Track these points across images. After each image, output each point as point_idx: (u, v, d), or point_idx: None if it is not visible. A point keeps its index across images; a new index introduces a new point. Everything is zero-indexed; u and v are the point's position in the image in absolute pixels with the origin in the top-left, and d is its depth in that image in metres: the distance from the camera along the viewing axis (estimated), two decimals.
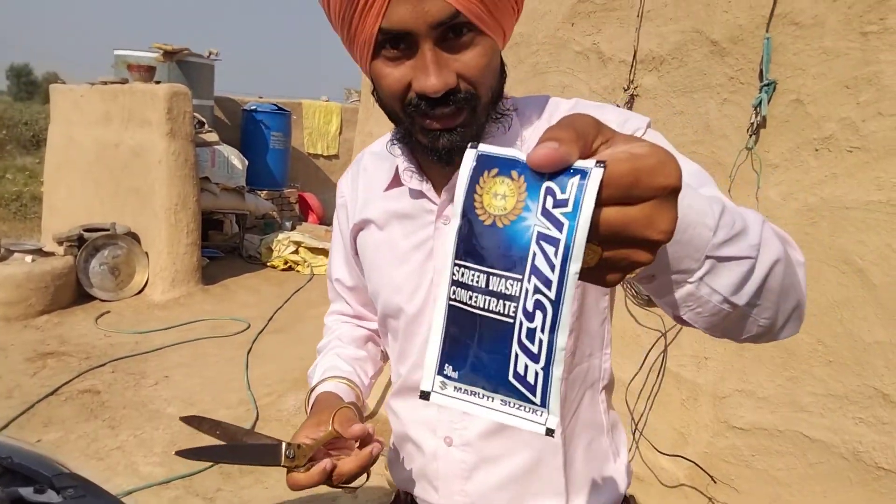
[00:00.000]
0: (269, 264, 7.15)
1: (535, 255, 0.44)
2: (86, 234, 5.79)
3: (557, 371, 0.45)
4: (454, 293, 0.47)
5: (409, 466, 1.05)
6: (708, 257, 0.62)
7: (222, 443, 0.93)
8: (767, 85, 2.18)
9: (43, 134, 17.14)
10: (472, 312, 0.47)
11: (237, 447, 0.93)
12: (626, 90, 2.59)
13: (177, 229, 5.93)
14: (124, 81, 6.33)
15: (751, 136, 2.25)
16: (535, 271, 0.44)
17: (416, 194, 0.95)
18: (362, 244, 1.05)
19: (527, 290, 0.45)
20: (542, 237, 0.44)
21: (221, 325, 5.46)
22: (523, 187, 0.45)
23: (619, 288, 1.85)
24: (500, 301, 0.46)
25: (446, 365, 0.48)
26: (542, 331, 0.45)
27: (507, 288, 0.45)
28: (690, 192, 0.60)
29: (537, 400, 0.47)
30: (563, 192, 0.44)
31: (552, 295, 0.44)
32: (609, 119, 0.87)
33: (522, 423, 0.48)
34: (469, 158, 0.48)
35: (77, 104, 6.70)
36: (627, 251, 0.47)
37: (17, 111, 22.84)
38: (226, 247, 7.51)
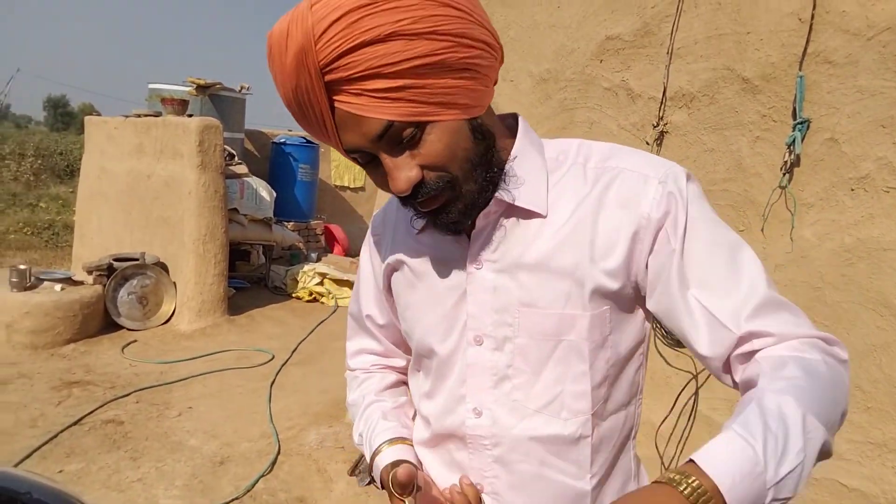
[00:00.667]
0: (294, 295, 7.18)
1: None
2: (115, 264, 5.86)
3: None
4: None
5: None
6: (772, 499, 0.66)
7: None
8: (801, 123, 2.15)
9: (77, 164, 17.52)
10: None
11: None
12: (655, 126, 2.57)
13: (205, 260, 5.98)
14: (158, 114, 6.46)
15: (784, 174, 2.21)
16: None
17: (448, 241, 0.95)
18: (396, 284, 1.05)
19: None
20: None
21: (246, 355, 5.47)
22: None
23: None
24: None
25: None
26: None
27: None
28: (733, 476, 0.64)
29: None
30: None
31: None
32: (648, 174, 0.88)
33: None
34: None
35: (111, 136, 6.84)
36: None
37: (53, 141, 23.43)
38: (252, 277, 7.56)
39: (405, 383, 1.19)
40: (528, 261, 0.90)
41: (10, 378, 4.81)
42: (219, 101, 7.76)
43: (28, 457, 3.61)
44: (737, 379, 0.84)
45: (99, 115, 7.44)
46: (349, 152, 0.84)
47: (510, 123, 0.97)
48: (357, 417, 1.14)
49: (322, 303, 7.09)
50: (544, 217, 0.90)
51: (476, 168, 0.85)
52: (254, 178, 7.27)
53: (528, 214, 0.91)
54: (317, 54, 0.74)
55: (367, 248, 1.12)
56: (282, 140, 8.60)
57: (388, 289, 1.08)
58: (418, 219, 0.95)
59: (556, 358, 0.90)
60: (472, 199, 0.86)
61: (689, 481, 0.64)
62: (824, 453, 0.70)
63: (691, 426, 2.51)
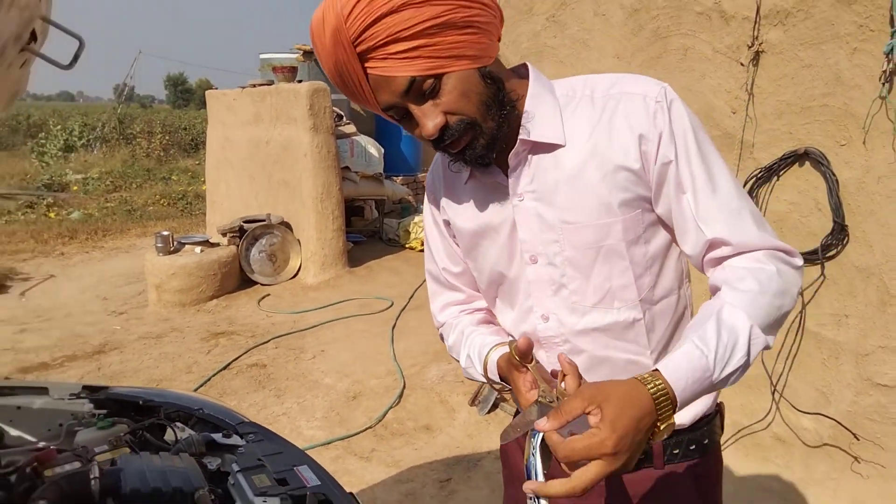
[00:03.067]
0: (407, 246, 7.50)
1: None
2: (245, 225, 6.35)
3: None
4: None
5: None
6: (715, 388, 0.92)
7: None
8: None
9: (200, 137, 18.75)
10: None
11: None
12: (750, 47, 2.56)
13: (323, 216, 6.37)
14: (270, 83, 6.85)
15: (884, 84, 2.18)
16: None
17: (491, 182, 1.11)
18: (459, 231, 1.21)
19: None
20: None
21: (368, 303, 5.83)
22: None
23: None
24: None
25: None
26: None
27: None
28: (686, 380, 0.88)
29: None
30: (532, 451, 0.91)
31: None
32: (647, 94, 1.03)
33: None
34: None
35: (230, 107, 7.33)
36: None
37: (177, 117, 25.05)
38: (367, 231, 7.94)
39: (493, 321, 1.34)
40: (560, 185, 1.05)
41: (164, 332, 5.41)
42: None
43: None
44: (709, 279, 1.04)
45: (216, 88, 7.94)
46: (385, 110, 1.00)
47: (522, 72, 1.11)
48: (461, 348, 1.29)
49: None
50: (564, 146, 1.04)
51: (490, 108, 1.00)
52: (362, 136, 7.58)
53: (550, 147, 1.05)
54: (347, 31, 0.92)
55: (428, 208, 1.29)
56: None
57: (453, 236, 1.25)
58: (455, 164, 1.11)
59: (601, 261, 1.06)
60: (491, 134, 1.01)
61: (656, 382, 0.87)
62: (765, 349, 0.96)
63: (799, 343, 2.56)
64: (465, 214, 1.18)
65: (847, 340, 2.41)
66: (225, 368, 4.58)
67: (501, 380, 1.14)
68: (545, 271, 1.10)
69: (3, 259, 7.57)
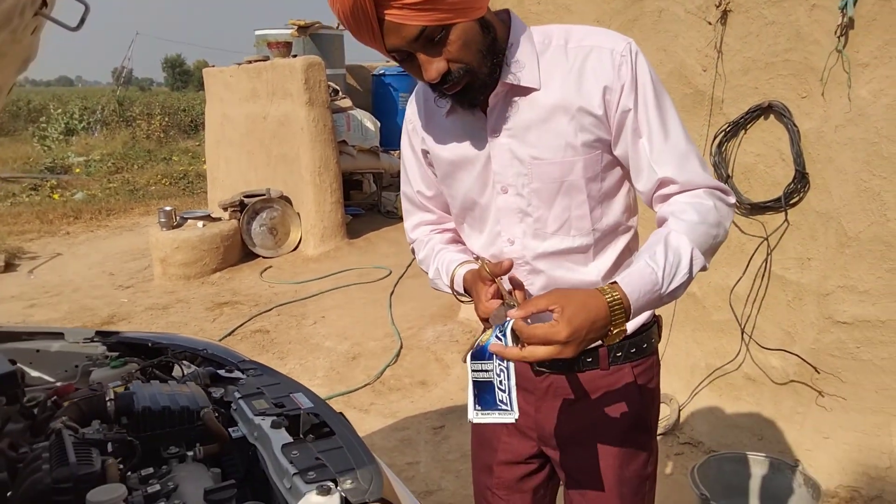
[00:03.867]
0: None
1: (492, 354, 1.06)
2: (246, 200, 6.51)
3: (513, 394, 1.04)
4: (473, 374, 1.08)
5: None
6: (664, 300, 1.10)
7: None
8: None
9: (199, 118, 18.80)
10: (478, 380, 1.08)
11: None
12: (717, 6, 2.68)
13: (321, 189, 6.51)
14: (266, 59, 6.96)
15: (839, 37, 2.31)
16: (497, 358, 1.05)
17: (470, 118, 1.25)
18: (436, 158, 1.35)
19: (496, 365, 1.05)
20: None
21: (366, 272, 5.99)
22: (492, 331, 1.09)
23: None
24: (486, 372, 1.07)
25: (476, 406, 1.08)
26: (507, 379, 1.05)
27: (487, 365, 1.06)
28: (638, 293, 1.05)
29: (510, 408, 1.05)
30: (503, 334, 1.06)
31: (505, 364, 1.05)
32: (614, 48, 1.17)
33: (506, 418, 1.05)
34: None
35: (227, 84, 7.44)
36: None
37: (175, 99, 25.06)
38: (365, 204, 8.09)
39: (459, 241, 1.50)
40: (532, 124, 1.19)
41: (170, 303, 5.59)
42: (319, 39, 8.16)
43: None
44: (656, 213, 1.20)
45: (214, 66, 8.04)
46: (389, 51, 1.10)
47: (503, 17, 1.24)
48: (431, 262, 1.45)
49: None
50: (539, 90, 1.18)
51: (486, 56, 1.13)
52: (358, 110, 7.69)
53: (527, 91, 1.18)
54: None
55: (406, 135, 1.42)
56: (381, 72, 8.94)
57: (430, 164, 1.39)
58: (444, 101, 1.24)
59: (562, 193, 1.21)
60: (484, 80, 1.15)
61: (613, 293, 1.03)
62: (702, 270, 1.13)
63: (766, 286, 2.71)
64: (443, 145, 1.31)
65: (810, 282, 2.56)
66: (230, 334, 4.77)
67: (465, 291, 1.30)
68: (514, 200, 1.25)
69: (10, 239, 7.74)
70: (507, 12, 1.24)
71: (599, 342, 1.06)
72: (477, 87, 1.16)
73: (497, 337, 1.08)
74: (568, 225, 1.24)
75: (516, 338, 1.07)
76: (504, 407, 1.05)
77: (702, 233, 1.11)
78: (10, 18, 1.01)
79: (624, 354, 1.31)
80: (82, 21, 1.30)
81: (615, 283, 1.05)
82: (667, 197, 1.18)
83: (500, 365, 1.06)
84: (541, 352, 1.01)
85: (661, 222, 1.17)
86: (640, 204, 1.31)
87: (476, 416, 1.07)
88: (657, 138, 1.16)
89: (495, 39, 1.15)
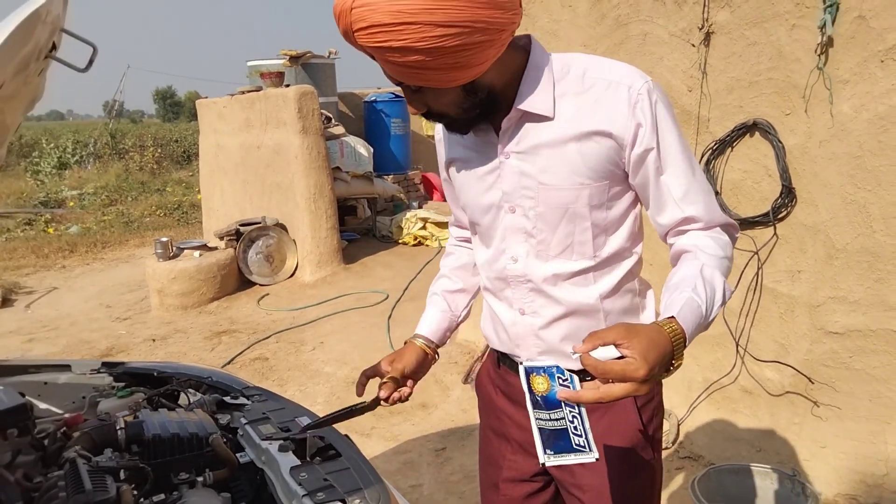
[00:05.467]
0: (400, 241, 7.69)
1: (562, 402, 1.07)
2: (241, 228, 6.55)
3: (590, 435, 1.04)
4: (539, 422, 1.05)
5: (498, 331, 1.42)
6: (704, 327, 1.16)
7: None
8: (830, 6, 2.32)
9: (192, 149, 18.92)
10: (546, 428, 1.05)
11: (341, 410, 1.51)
12: (700, 29, 2.76)
13: (317, 216, 6.56)
14: (259, 89, 7.04)
15: (820, 55, 2.39)
16: (567, 405, 1.06)
17: (484, 139, 1.30)
18: (453, 174, 1.42)
19: (568, 412, 1.06)
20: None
21: (364, 297, 6.02)
22: (548, 379, 1.10)
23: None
24: (557, 420, 1.06)
25: (546, 449, 1.04)
26: (581, 423, 1.05)
27: (556, 413, 1.06)
28: (692, 325, 1.10)
29: (587, 449, 1.04)
30: (565, 379, 1.10)
31: (577, 410, 1.06)
32: (632, 84, 1.20)
33: (585, 459, 1.04)
34: (521, 372, 1.11)
35: (221, 115, 7.52)
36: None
37: (167, 131, 25.19)
38: (361, 229, 8.14)
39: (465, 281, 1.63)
40: (543, 151, 1.23)
41: (169, 334, 5.60)
42: (311, 68, 8.27)
43: None
44: (671, 244, 1.28)
45: (207, 97, 8.13)
46: (390, 79, 1.17)
47: (524, 42, 1.27)
48: (428, 296, 1.65)
49: (426, 245, 7.57)
50: (553, 119, 1.22)
51: (465, 108, 1.19)
52: (351, 136, 7.77)
53: (540, 118, 1.23)
54: (354, 38, 1.08)
55: (438, 147, 1.49)
56: (373, 98, 9.04)
57: (449, 177, 1.46)
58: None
59: (567, 219, 1.26)
60: (467, 119, 1.22)
61: (672, 327, 1.07)
62: (729, 298, 1.20)
63: (759, 299, 2.76)
64: (459, 158, 1.38)
65: (801, 294, 2.61)
66: (229, 363, 4.78)
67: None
68: (520, 221, 1.29)
69: (6, 275, 7.75)
70: (528, 38, 1.27)
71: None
72: (462, 124, 1.23)
73: (562, 385, 1.09)
74: (570, 249, 1.28)
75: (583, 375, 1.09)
76: (582, 449, 1.04)
77: (725, 266, 1.21)
78: (27, 63, 1.06)
79: None
80: (90, 62, 1.35)
81: (672, 317, 1.09)
82: (686, 231, 1.25)
83: (571, 411, 1.06)
84: (617, 390, 1.00)
85: (679, 252, 1.24)
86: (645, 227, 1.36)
87: (549, 459, 1.03)
88: (683, 178, 1.22)
89: (487, 97, 1.20)
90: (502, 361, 1.48)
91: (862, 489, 2.47)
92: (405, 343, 1.61)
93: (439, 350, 1.63)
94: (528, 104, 1.21)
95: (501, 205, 1.31)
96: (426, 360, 1.59)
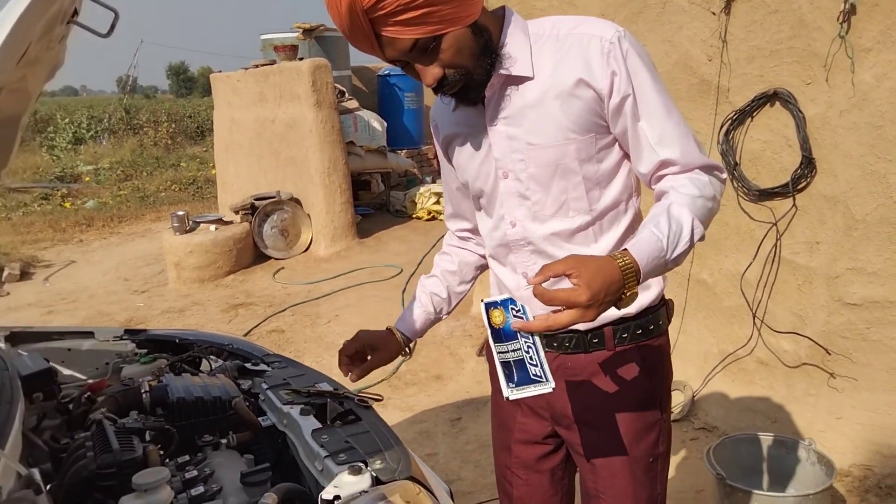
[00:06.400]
0: (414, 216, 7.70)
1: (517, 332, 1.12)
2: (256, 203, 6.57)
3: (545, 365, 1.09)
4: (500, 355, 1.10)
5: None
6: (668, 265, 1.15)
7: None
8: None
9: (205, 124, 18.93)
10: (506, 360, 1.11)
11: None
12: None
13: (331, 190, 6.57)
14: (272, 62, 7.03)
15: (842, 23, 2.35)
16: (522, 336, 1.12)
17: (471, 111, 1.32)
18: (450, 150, 1.44)
19: (523, 342, 1.11)
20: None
21: (378, 271, 6.05)
22: (503, 311, 1.14)
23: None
24: (514, 351, 1.11)
25: (509, 384, 1.08)
26: (536, 353, 1.10)
27: (513, 345, 1.11)
28: (646, 257, 1.10)
29: (545, 379, 1.08)
30: (518, 310, 1.14)
31: (531, 340, 1.11)
32: (604, 35, 1.22)
33: (543, 389, 1.08)
34: (482, 307, 1.15)
35: (235, 89, 7.52)
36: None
37: (181, 106, 25.18)
38: (374, 204, 8.15)
39: (468, 263, 1.65)
40: (526, 111, 1.26)
41: (186, 307, 5.66)
42: (324, 41, 8.23)
43: None
44: (654, 188, 1.28)
45: (220, 72, 8.11)
46: (390, 61, 1.19)
47: (499, 13, 1.30)
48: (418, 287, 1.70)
49: (440, 220, 7.57)
50: (532, 78, 1.25)
51: (481, 57, 1.19)
52: (365, 111, 7.75)
53: (520, 80, 1.25)
54: (362, 3, 1.09)
55: (433, 133, 1.50)
56: (386, 72, 8.99)
57: (448, 157, 1.47)
58: (445, 96, 1.30)
59: (558, 177, 1.27)
60: (480, 80, 1.22)
61: (624, 258, 1.09)
62: (701, 238, 1.18)
63: (777, 271, 2.75)
64: (454, 138, 1.40)
65: (819, 265, 2.60)
66: (247, 335, 4.83)
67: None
68: (513, 185, 1.32)
69: (24, 248, 7.84)
70: (502, 9, 1.30)
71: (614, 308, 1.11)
72: (475, 87, 1.23)
73: (516, 316, 1.14)
74: (566, 207, 1.30)
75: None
76: (539, 379, 1.09)
77: (700, 205, 1.18)
78: (52, 26, 1.07)
79: (630, 336, 1.36)
80: (112, 28, 1.36)
81: (625, 249, 1.11)
82: (663, 176, 1.25)
83: (526, 342, 1.11)
84: (564, 317, 1.05)
85: (660, 196, 1.24)
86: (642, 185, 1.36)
87: (512, 392, 1.09)
88: (657, 122, 1.22)
89: (489, 40, 1.21)
90: None
91: (877, 460, 2.48)
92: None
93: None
94: (507, 67, 1.24)
95: (496, 172, 1.33)
96: (394, 344, 1.69)
